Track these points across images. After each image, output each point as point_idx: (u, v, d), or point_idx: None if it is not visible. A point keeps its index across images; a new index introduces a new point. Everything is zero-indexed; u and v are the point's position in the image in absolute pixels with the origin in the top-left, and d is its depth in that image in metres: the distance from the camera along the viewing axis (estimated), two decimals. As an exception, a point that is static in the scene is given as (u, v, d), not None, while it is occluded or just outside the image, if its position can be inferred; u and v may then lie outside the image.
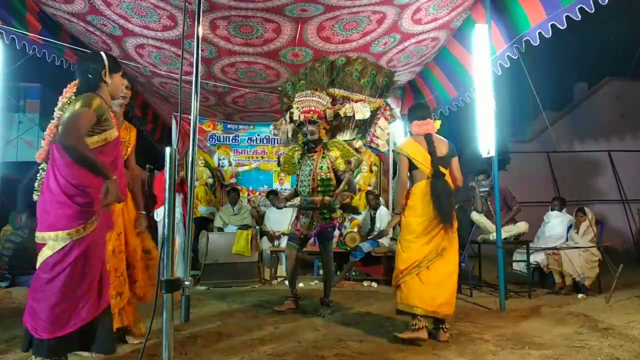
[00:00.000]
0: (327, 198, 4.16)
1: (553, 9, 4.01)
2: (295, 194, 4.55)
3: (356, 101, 4.36)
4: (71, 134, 2.25)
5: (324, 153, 4.26)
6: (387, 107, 4.55)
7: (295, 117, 4.31)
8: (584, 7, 3.69)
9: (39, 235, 2.32)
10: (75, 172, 2.31)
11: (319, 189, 4.21)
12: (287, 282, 4.49)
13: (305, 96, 4.36)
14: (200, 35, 2.30)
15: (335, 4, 4.35)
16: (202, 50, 5.07)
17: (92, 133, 2.38)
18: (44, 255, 2.29)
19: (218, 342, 3.21)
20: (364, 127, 4.44)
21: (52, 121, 2.53)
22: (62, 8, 4.51)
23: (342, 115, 4.32)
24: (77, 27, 4.92)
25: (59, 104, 2.54)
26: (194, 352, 2.98)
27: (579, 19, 3.83)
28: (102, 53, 2.61)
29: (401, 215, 3.44)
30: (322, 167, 4.22)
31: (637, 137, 10.61)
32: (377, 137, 4.43)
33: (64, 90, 2.57)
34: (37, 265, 2.32)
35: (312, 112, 4.23)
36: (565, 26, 3.97)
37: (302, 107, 4.28)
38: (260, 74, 5.87)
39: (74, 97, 2.48)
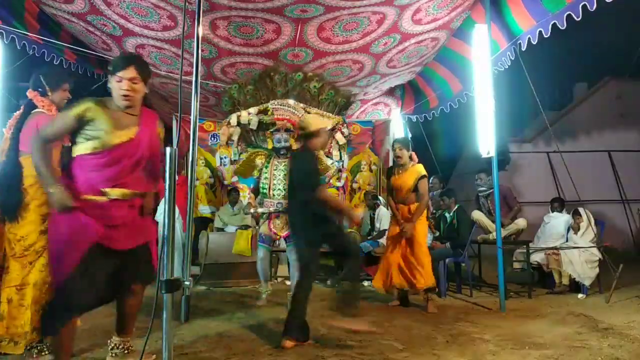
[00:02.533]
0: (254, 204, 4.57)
1: (541, 17, 4.09)
2: (255, 196, 4.67)
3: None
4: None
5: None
6: (344, 124, 5.00)
7: (244, 121, 4.63)
8: (572, 14, 3.80)
9: None
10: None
11: (282, 193, 4.50)
12: (262, 280, 4.66)
13: (282, 105, 4.63)
14: (200, 36, 2.31)
15: (336, 4, 4.35)
16: (202, 50, 5.06)
17: (82, 139, 2.36)
18: None
19: (218, 342, 3.21)
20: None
21: None
22: (62, 8, 4.51)
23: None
24: (77, 27, 4.92)
25: None
26: (194, 352, 2.98)
27: (563, 28, 3.94)
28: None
29: None
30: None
31: (637, 137, 10.60)
32: (334, 149, 4.88)
33: None
34: None
35: (286, 121, 4.52)
36: (549, 34, 4.09)
37: (277, 115, 4.54)
38: (260, 74, 5.88)
39: None
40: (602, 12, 3.80)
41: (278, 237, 4.56)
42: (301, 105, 4.84)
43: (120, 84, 2.37)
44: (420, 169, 4.47)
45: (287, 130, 4.53)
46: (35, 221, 2.70)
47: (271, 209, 4.53)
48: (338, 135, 4.87)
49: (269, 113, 4.66)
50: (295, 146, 4.56)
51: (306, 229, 3.26)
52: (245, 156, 4.69)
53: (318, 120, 3.64)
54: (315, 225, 3.22)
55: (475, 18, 4.80)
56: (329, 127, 4.37)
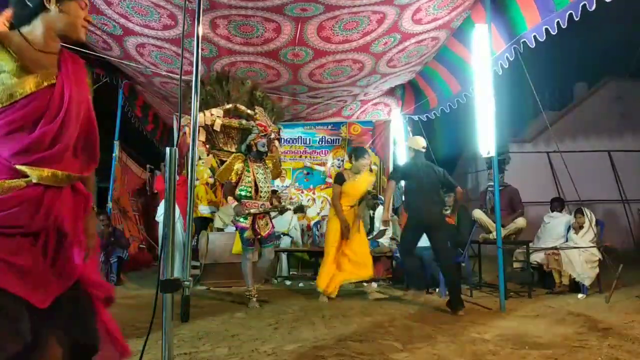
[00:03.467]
0: (283, 203, 4.91)
1: (547, 13, 4.08)
2: (236, 199, 4.73)
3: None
4: None
5: (265, 164, 4.83)
6: (280, 131, 5.47)
7: (208, 122, 4.89)
8: (573, 13, 3.82)
9: None
10: None
11: (268, 194, 4.84)
12: (249, 281, 4.70)
13: (262, 113, 4.90)
14: (200, 35, 2.31)
15: (335, 3, 4.35)
16: (203, 49, 5.07)
17: None
18: None
19: (218, 342, 3.21)
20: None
21: None
22: (62, 7, 4.51)
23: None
24: (77, 27, 4.92)
25: None
26: (194, 352, 2.97)
27: (564, 27, 3.97)
28: None
29: None
30: (268, 176, 4.84)
31: (637, 137, 10.60)
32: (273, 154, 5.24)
33: None
34: None
35: (264, 128, 4.76)
36: (556, 31, 4.09)
37: (259, 121, 4.82)
38: (261, 74, 5.88)
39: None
40: (603, 13, 3.80)
41: (260, 236, 4.72)
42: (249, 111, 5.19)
43: (83, 11, 1.66)
44: (372, 177, 5.21)
45: (266, 136, 4.78)
46: None
47: (255, 210, 4.66)
48: (277, 143, 5.29)
49: (256, 118, 4.87)
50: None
51: None
52: (228, 161, 4.77)
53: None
54: None
55: (475, 18, 4.79)
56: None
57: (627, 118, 10.63)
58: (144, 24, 4.71)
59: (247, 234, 4.66)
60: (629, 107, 10.73)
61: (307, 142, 7.93)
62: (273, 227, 4.90)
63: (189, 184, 2.12)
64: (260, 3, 4.29)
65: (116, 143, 7.36)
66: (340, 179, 5.04)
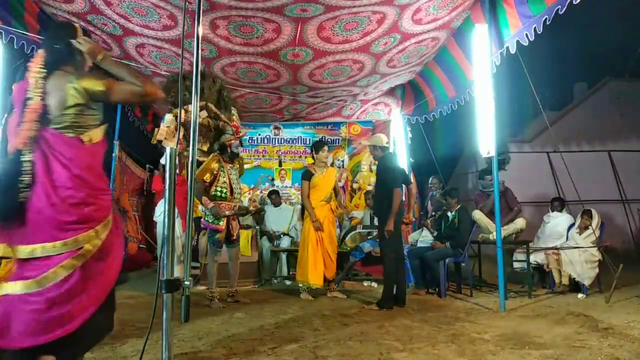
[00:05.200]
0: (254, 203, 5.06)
1: (526, 19, 4.18)
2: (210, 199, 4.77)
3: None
4: None
5: (234, 165, 4.88)
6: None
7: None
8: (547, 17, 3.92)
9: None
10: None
11: (240, 195, 4.93)
12: (213, 283, 4.75)
13: (237, 115, 5.02)
14: (200, 35, 2.31)
15: (335, 4, 4.35)
16: (202, 49, 5.07)
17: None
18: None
19: (218, 342, 3.21)
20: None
21: (30, 102, 2.01)
22: (62, 8, 4.51)
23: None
24: (77, 27, 4.92)
25: (32, 81, 2.04)
26: (194, 352, 2.98)
27: (540, 32, 4.08)
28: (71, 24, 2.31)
29: None
30: (238, 176, 4.90)
31: (637, 137, 10.61)
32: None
33: (30, 64, 2.09)
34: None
35: (237, 130, 4.85)
36: (534, 38, 4.20)
37: (234, 122, 4.92)
38: (261, 74, 5.88)
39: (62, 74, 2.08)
40: (603, 12, 3.82)
41: (233, 236, 4.83)
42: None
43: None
44: (335, 170, 5.53)
45: (238, 137, 4.86)
46: None
47: (229, 212, 4.68)
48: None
49: (234, 119, 4.95)
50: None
51: None
52: (208, 160, 4.78)
53: None
54: None
55: (475, 18, 4.80)
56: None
57: (627, 118, 10.63)
58: (143, 25, 4.72)
59: (220, 235, 4.68)
60: (629, 107, 10.73)
61: (307, 142, 7.93)
62: (241, 227, 5.11)
63: (189, 184, 2.12)
64: (260, 4, 4.29)
65: (116, 143, 7.36)
66: (307, 175, 5.15)
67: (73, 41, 2.18)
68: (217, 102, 5.08)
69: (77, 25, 2.25)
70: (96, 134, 2.10)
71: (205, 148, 4.97)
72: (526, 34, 4.23)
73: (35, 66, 2.05)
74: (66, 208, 1.94)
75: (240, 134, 4.96)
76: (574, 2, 3.65)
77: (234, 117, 4.94)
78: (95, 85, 2.09)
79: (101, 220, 2.05)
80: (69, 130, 2.04)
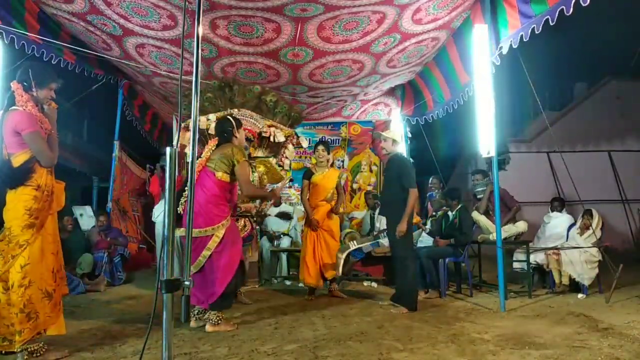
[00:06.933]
0: (262, 205, 5.02)
1: (526, 19, 4.15)
2: None
3: (269, 126, 5.11)
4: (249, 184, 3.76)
5: (253, 168, 4.79)
6: (295, 136, 5.53)
7: (202, 127, 4.89)
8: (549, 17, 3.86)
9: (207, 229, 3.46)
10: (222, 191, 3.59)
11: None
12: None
13: (243, 116, 4.93)
14: (200, 35, 2.31)
15: (336, 3, 4.35)
16: (203, 49, 5.07)
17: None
18: (215, 241, 3.46)
19: (218, 342, 3.21)
20: (275, 147, 5.29)
21: (200, 158, 3.60)
22: (62, 8, 4.51)
23: (271, 139, 5.10)
24: (77, 27, 4.92)
25: (206, 149, 3.71)
26: (194, 352, 2.98)
27: (538, 32, 4.02)
28: (229, 117, 3.86)
29: None
30: (253, 180, 4.78)
31: (637, 137, 10.60)
32: (287, 158, 5.46)
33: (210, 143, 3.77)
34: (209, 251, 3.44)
35: (248, 131, 4.79)
36: (528, 38, 4.17)
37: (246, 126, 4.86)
38: (261, 74, 5.88)
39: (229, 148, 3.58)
40: (603, 12, 3.81)
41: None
42: (259, 116, 5.19)
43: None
44: (337, 171, 5.41)
45: (248, 139, 4.81)
46: (18, 210, 2.67)
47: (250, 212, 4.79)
48: (290, 147, 5.42)
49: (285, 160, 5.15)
50: (254, 154, 5.08)
51: None
52: (271, 164, 4.93)
53: None
54: None
55: (475, 18, 4.79)
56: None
57: (627, 118, 10.62)
58: (143, 25, 4.72)
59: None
60: (629, 107, 10.72)
61: (307, 142, 7.93)
62: (252, 228, 5.05)
63: (189, 184, 2.12)
64: (260, 3, 4.29)
65: (116, 143, 7.36)
66: (307, 174, 5.22)
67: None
68: (256, 107, 5.13)
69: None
70: (224, 176, 3.58)
71: (260, 154, 5.09)
72: (521, 35, 4.20)
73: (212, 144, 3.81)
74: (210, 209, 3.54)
75: (254, 137, 4.98)
76: (583, 4, 3.49)
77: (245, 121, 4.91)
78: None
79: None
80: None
